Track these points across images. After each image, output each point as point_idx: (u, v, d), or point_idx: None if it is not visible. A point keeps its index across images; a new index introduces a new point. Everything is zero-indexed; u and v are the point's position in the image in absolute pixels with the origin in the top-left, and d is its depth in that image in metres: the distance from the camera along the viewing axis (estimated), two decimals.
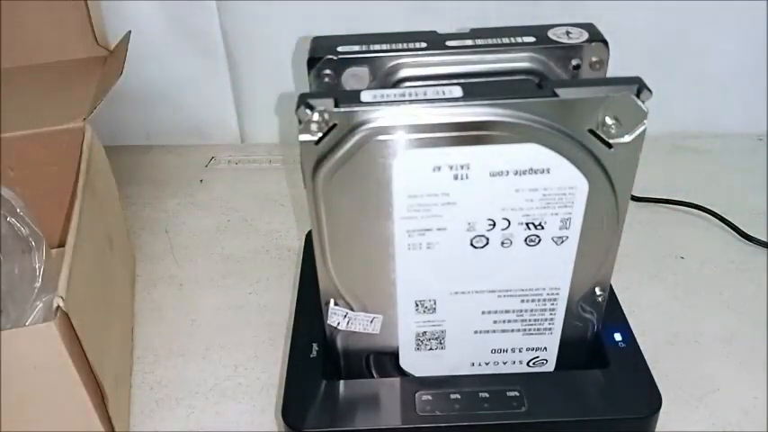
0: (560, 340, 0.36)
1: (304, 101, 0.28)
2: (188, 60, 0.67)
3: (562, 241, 0.32)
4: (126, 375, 0.45)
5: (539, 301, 0.35)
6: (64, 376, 0.34)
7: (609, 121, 0.29)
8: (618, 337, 0.38)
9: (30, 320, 0.38)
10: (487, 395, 0.35)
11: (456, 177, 0.30)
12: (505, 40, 0.34)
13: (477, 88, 0.29)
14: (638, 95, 0.28)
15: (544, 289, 0.34)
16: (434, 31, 0.35)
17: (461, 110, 0.28)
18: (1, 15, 0.56)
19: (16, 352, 0.32)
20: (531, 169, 0.30)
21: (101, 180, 0.48)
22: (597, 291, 0.35)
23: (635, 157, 0.30)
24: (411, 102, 0.28)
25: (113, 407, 0.38)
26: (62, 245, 0.37)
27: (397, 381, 0.36)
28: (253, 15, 0.64)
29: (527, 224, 0.32)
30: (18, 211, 0.41)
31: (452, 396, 0.35)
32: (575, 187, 0.31)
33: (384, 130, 0.29)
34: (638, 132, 0.29)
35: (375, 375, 0.38)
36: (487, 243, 0.32)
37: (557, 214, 0.31)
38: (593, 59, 0.34)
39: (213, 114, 0.71)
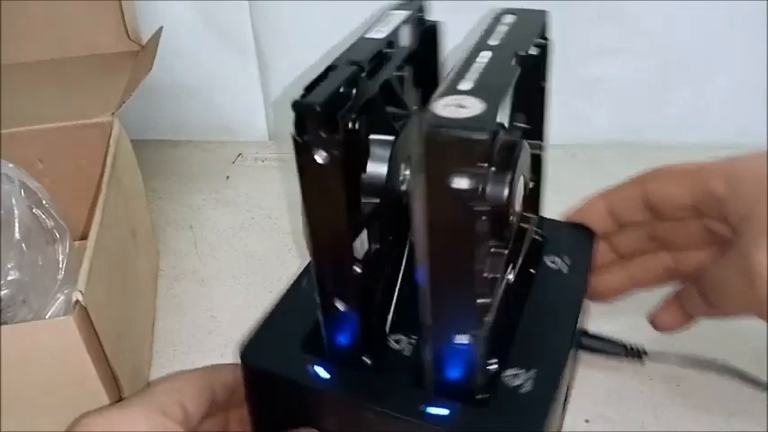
0: None
1: None
2: (219, 57, 0.67)
3: None
4: (144, 369, 0.45)
5: None
6: (81, 370, 0.34)
7: None
8: None
9: (51, 312, 0.39)
10: None
11: None
12: None
13: None
14: None
15: None
16: None
17: None
18: (32, 9, 0.57)
19: (34, 344, 0.33)
20: None
21: (126, 174, 0.49)
22: None
23: None
24: None
25: None
26: (86, 237, 0.38)
27: None
28: (284, 14, 0.65)
29: None
30: (44, 202, 0.42)
31: None
32: None
33: None
34: None
35: None
36: None
37: None
38: None
39: (242, 111, 0.72)
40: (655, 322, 0.41)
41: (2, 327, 0.32)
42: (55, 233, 0.41)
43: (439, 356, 0.28)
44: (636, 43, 0.62)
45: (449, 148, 0.23)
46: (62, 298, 0.40)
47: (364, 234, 0.29)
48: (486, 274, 0.26)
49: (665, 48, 0.63)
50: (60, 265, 0.40)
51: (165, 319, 0.50)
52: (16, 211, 0.40)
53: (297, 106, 0.25)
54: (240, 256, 0.56)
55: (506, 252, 0.28)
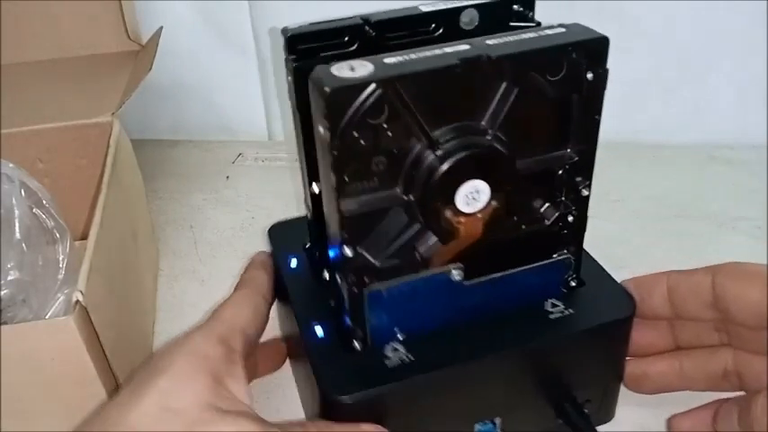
0: None
1: None
2: (219, 57, 0.67)
3: None
4: None
5: None
6: (81, 370, 0.34)
7: None
8: None
9: (51, 312, 0.39)
10: None
11: None
12: None
13: None
14: None
15: None
16: None
17: None
18: (32, 9, 0.57)
19: (35, 344, 0.33)
20: None
21: (126, 174, 0.49)
22: None
23: None
24: None
25: None
26: (86, 237, 0.38)
27: None
28: (284, 14, 0.64)
29: None
30: (44, 202, 0.42)
31: None
32: None
33: None
34: None
35: None
36: None
37: None
38: None
39: (242, 111, 0.72)
40: (673, 429, 0.35)
41: (2, 327, 0.32)
42: (55, 233, 0.41)
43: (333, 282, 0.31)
44: (636, 43, 0.62)
45: (313, 96, 0.26)
46: (62, 298, 0.40)
47: None
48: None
49: (665, 48, 0.63)
50: (60, 265, 0.40)
51: (165, 320, 0.50)
52: (16, 211, 0.40)
53: (282, 31, 0.32)
54: (240, 256, 0.56)
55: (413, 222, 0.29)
